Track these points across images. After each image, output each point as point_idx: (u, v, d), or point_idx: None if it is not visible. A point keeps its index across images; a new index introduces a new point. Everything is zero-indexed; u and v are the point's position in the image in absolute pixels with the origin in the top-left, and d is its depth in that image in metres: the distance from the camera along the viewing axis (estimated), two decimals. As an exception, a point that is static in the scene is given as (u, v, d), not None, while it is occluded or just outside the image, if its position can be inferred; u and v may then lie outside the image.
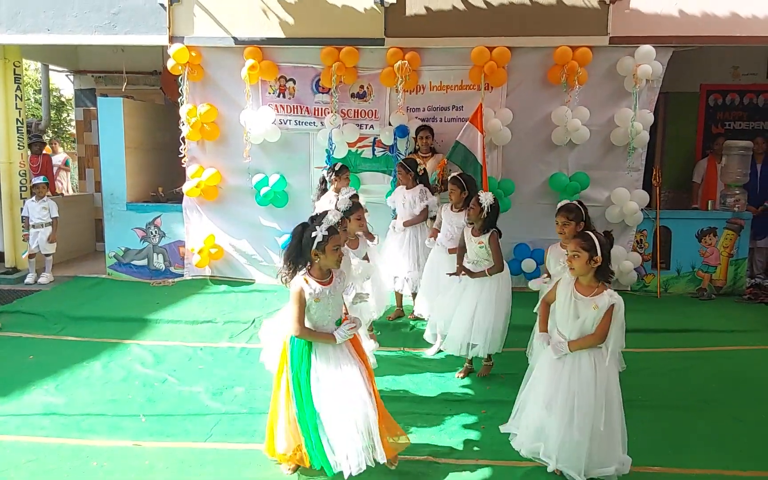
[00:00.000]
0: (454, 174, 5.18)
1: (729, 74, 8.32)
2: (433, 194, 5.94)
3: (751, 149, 6.96)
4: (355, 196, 4.45)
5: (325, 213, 3.14)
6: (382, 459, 3.00)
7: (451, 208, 5.08)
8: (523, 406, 3.35)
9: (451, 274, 4.45)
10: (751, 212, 6.89)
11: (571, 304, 3.09)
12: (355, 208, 4.29)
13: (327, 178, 5.66)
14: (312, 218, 3.20)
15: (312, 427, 3.00)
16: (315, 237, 2.98)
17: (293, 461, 3.17)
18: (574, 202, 4.05)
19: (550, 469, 3.12)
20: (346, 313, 3.27)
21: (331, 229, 3.03)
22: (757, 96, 8.36)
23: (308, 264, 3.08)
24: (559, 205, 4.11)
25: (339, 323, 3.14)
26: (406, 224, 5.61)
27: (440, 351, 4.92)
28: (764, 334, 5.50)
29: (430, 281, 5.10)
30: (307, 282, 3.02)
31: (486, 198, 4.31)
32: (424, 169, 5.87)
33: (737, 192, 6.92)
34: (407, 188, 5.68)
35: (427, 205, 5.61)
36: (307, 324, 3.06)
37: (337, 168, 5.61)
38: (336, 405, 2.98)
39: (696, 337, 5.43)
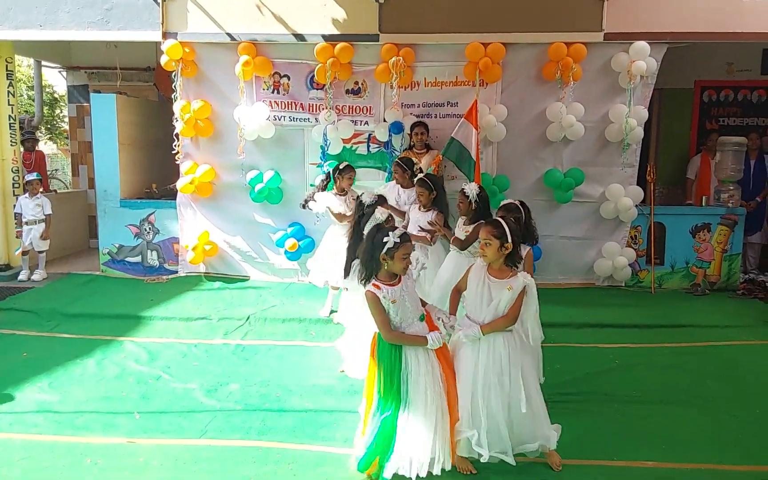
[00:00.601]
0: (421, 176, 5.22)
1: (723, 70, 8.35)
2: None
3: (744, 145, 7.00)
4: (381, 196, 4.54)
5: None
6: (448, 466, 3.01)
7: (419, 208, 5.12)
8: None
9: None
10: (744, 208, 6.92)
11: (484, 289, 3.14)
12: (380, 202, 4.33)
13: (332, 176, 5.63)
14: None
15: (391, 425, 3.01)
16: (386, 243, 3.01)
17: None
18: (515, 202, 4.06)
19: (484, 459, 3.07)
20: (427, 311, 3.23)
21: (404, 236, 3.05)
22: (752, 92, 8.39)
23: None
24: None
25: (422, 319, 3.13)
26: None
27: None
28: (758, 329, 5.52)
29: None
30: (378, 288, 3.04)
31: (471, 189, 4.37)
32: (421, 168, 5.85)
33: (731, 188, 6.94)
34: (402, 187, 5.66)
35: None
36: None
37: (342, 167, 5.61)
38: (422, 407, 3.00)
39: (690, 332, 5.45)
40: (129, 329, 5.42)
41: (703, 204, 7.13)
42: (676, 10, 6.35)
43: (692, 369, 4.64)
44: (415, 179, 5.25)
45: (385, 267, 3.05)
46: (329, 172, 5.78)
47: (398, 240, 3.01)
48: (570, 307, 6.00)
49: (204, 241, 6.87)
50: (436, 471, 2.97)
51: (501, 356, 3.10)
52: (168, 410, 3.91)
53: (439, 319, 3.16)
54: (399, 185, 5.70)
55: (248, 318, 5.61)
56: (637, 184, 6.65)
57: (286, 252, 6.74)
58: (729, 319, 5.78)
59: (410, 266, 3.12)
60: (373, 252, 3.06)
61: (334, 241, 5.41)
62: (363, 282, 3.11)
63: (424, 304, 3.27)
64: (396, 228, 3.16)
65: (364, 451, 3.06)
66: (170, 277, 7.06)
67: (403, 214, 5.31)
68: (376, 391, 3.09)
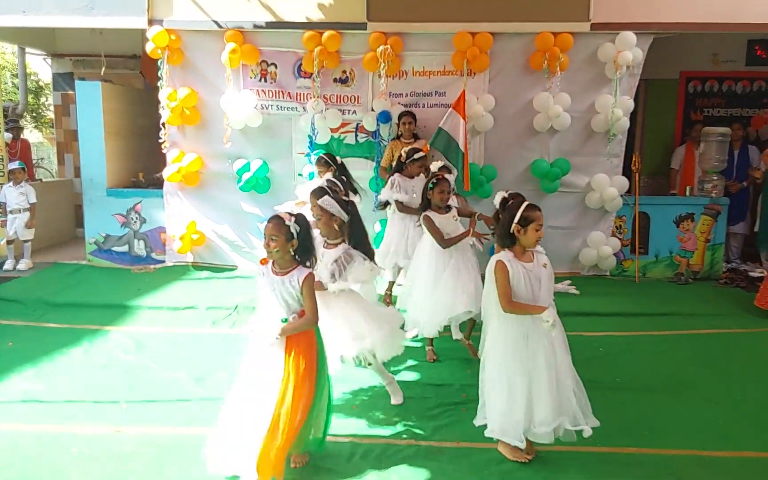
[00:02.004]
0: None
1: (708, 61, 8.41)
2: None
3: (728, 136, 7.07)
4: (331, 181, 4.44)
5: None
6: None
7: None
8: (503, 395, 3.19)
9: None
10: (730, 188, 7.00)
11: (527, 274, 3.08)
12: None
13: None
14: None
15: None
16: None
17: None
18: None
19: (586, 434, 3.04)
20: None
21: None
22: (736, 83, 8.47)
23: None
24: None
25: (284, 322, 3.03)
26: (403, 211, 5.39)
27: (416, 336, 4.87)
28: (739, 317, 5.62)
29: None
30: (264, 263, 3.07)
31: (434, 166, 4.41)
32: (400, 156, 5.74)
33: (715, 178, 7.02)
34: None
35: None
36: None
37: (322, 161, 5.54)
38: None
39: (673, 320, 5.54)
40: (116, 319, 5.40)
41: (687, 194, 7.21)
42: (662, 1, 6.39)
43: (675, 356, 4.72)
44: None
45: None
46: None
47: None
48: (555, 296, 6.02)
49: (191, 230, 6.85)
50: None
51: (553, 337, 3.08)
52: (155, 399, 3.91)
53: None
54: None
55: (236, 307, 5.61)
56: (623, 174, 6.71)
57: (274, 241, 6.73)
58: (711, 308, 5.88)
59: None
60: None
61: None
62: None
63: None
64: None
65: None
66: (157, 266, 7.04)
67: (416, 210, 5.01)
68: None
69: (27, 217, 6.97)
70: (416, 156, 5.37)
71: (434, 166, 4.74)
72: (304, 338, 3.04)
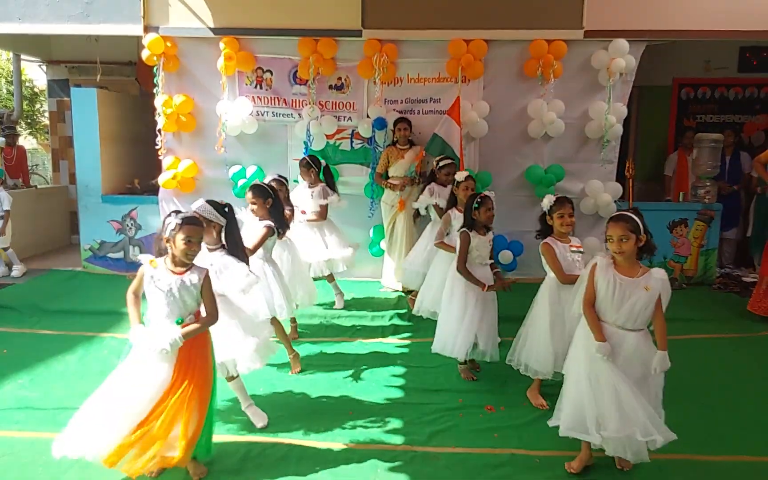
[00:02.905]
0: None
1: (701, 68, 8.48)
2: (412, 185, 6.14)
3: (721, 142, 7.12)
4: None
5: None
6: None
7: (458, 210, 4.82)
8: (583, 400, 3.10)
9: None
10: (721, 189, 7.07)
11: (616, 289, 3.00)
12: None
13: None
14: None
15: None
16: (168, 224, 2.95)
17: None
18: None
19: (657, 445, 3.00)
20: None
21: (188, 219, 2.98)
22: (728, 89, 8.55)
23: None
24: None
25: (179, 322, 2.99)
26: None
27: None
28: (733, 322, 5.65)
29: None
30: (153, 266, 3.02)
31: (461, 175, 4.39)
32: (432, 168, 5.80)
33: (708, 184, 7.07)
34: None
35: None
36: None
37: (303, 163, 5.70)
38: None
39: (667, 325, 5.52)
40: (111, 325, 5.39)
41: (681, 200, 7.26)
42: (654, 9, 6.45)
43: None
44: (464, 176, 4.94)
45: (169, 250, 2.97)
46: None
47: (180, 221, 2.92)
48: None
49: (187, 236, 6.84)
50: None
51: (643, 354, 3.08)
52: (151, 406, 3.89)
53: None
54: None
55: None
56: (616, 180, 6.75)
57: (269, 247, 6.74)
58: (705, 313, 5.91)
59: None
60: (160, 234, 3.01)
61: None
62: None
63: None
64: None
65: None
66: (153, 273, 7.01)
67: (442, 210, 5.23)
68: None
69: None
70: (443, 163, 5.52)
71: (460, 176, 4.82)
72: (200, 340, 3.04)
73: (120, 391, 2.96)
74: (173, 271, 2.98)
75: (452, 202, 4.97)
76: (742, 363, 4.75)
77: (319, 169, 5.69)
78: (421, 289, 5.06)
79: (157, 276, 2.96)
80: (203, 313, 3.07)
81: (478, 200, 4.21)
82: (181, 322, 2.98)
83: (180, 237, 2.91)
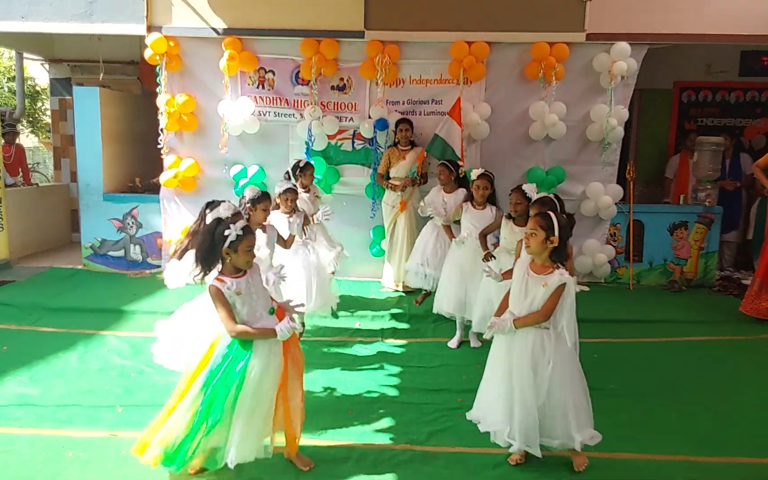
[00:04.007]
0: (482, 170, 5.03)
1: (702, 72, 8.50)
2: (413, 186, 6.20)
3: (722, 145, 7.13)
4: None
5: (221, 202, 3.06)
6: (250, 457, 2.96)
7: (473, 206, 4.93)
8: (486, 390, 3.30)
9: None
10: (725, 186, 7.11)
11: (523, 284, 3.10)
12: (263, 198, 4.15)
13: (291, 175, 5.55)
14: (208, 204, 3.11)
15: (213, 423, 2.89)
16: (228, 235, 2.91)
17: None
18: (550, 195, 3.95)
19: (513, 449, 3.12)
20: (279, 305, 3.15)
21: (246, 229, 2.96)
22: (729, 93, 8.56)
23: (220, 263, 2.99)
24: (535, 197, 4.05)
25: (272, 312, 3.04)
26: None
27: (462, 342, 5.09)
28: (732, 325, 5.66)
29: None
30: (222, 281, 2.93)
31: (530, 189, 4.20)
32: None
33: (708, 187, 7.08)
34: (446, 192, 5.48)
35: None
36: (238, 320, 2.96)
37: (301, 165, 5.61)
38: (251, 403, 2.93)
39: (667, 327, 5.57)
40: (112, 323, 5.40)
41: (681, 202, 7.26)
42: (656, 12, 6.46)
43: (668, 363, 4.76)
44: (478, 174, 4.98)
45: (228, 261, 2.97)
46: (287, 173, 5.63)
47: (241, 233, 2.92)
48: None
49: (188, 235, 6.85)
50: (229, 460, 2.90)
51: (533, 351, 3.05)
52: (151, 403, 3.89)
53: (288, 311, 3.08)
54: (443, 191, 5.48)
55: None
56: (617, 183, 6.76)
57: (270, 247, 6.74)
58: (705, 315, 5.92)
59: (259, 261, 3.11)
60: (215, 246, 2.93)
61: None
62: (201, 277, 2.97)
63: (273, 300, 3.16)
64: (237, 221, 2.98)
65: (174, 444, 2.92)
66: (153, 271, 7.03)
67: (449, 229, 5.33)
68: (204, 386, 2.94)
69: None
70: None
71: (475, 173, 4.92)
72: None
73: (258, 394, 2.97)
74: (236, 276, 2.98)
75: (469, 197, 5.06)
76: (741, 365, 4.75)
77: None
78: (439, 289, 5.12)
79: (230, 286, 2.93)
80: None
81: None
82: (273, 312, 3.05)
83: (243, 247, 2.94)
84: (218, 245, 2.93)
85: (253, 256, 3.03)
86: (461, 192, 5.35)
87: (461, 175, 5.58)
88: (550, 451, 3.17)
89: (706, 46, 7.29)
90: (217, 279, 2.94)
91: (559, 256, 3.08)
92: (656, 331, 5.45)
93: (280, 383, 3.01)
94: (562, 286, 2.99)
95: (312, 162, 5.92)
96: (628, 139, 7.73)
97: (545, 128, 6.47)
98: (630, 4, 6.46)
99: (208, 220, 3.02)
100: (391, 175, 6.30)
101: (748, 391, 4.24)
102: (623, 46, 6.33)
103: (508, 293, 3.29)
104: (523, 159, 6.75)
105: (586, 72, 6.55)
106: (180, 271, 3.58)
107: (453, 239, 5.06)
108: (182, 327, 3.87)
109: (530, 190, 4.20)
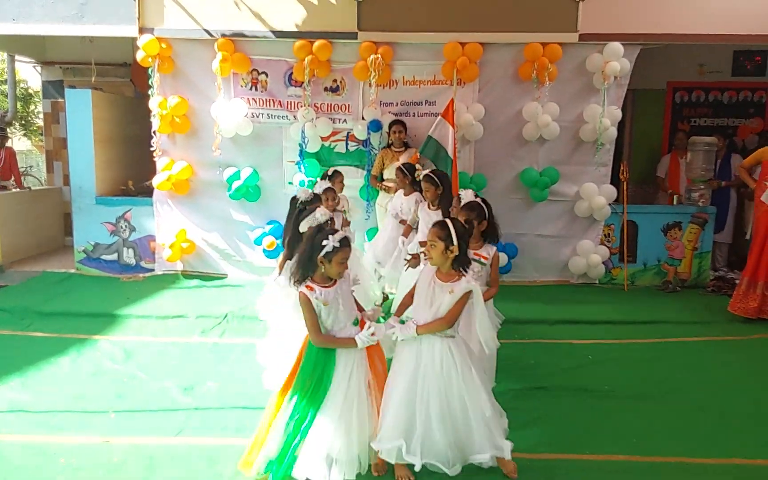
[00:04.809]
0: (427, 171, 5.11)
1: (695, 72, 8.52)
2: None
3: (715, 145, 7.14)
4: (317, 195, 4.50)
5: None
6: (363, 469, 3.02)
7: (429, 206, 5.02)
8: (386, 403, 3.11)
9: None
10: (712, 186, 7.10)
11: (429, 291, 3.07)
12: (315, 200, 4.26)
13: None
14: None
15: (302, 434, 2.96)
16: (325, 246, 2.96)
17: None
18: (478, 200, 3.90)
19: (417, 468, 2.98)
20: (362, 313, 3.19)
21: (343, 241, 2.99)
22: (722, 93, 8.58)
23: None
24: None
25: (356, 323, 3.08)
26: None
27: None
28: (726, 325, 5.67)
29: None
30: (311, 289, 2.98)
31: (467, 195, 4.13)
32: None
33: (702, 187, 7.09)
34: (405, 194, 5.57)
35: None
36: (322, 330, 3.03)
37: (330, 173, 5.59)
38: (338, 414, 2.97)
39: (661, 328, 5.57)
40: (104, 328, 5.36)
41: (674, 203, 7.27)
42: (649, 12, 6.48)
43: (662, 364, 4.75)
44: (421, 175, 5.13)
45: (322, 270, 3.01)
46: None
47: (338, 244, 2.96)
48: (545, 304, 6.10)
49: (181, 239, 6.83)
50: (349, 476, 2.93)
51: (442, 362, 3.01)
52: (144, 409, 3.88)
53: (373, 321, 3.10)
54: (402, 195, 5.56)
55: (226, 316, 5.59)
56: (611, 183, 6.77)
57: (264, 250, 6.73)
58: (698, 316, 5.92)
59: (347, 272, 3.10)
60: (312, 254, 2.99)
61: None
62: (296, 283, 3.03)
63: (361, 309, 3.22)
64: (336, 231, 3.06)
65: (275, 454, 2.98)
66: (147, 275, 7.01)
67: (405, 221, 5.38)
68: (293, 394, 3.02)
69: None
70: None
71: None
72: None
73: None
74: (326, 286, 3.02)
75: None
76: (734, 366, 4.75)
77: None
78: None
79: (318, 296, 2.98)
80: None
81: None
82: (357, 322, 3.08)
83: (337, 259, 2.97)
84: (315, 253, 2.98)
85: (346, 267, 3.06)
86: (417, 195, 5.44)
87: (417, 178, 5.52)
88: (543, 453, 3.17)
89: (698, 46, 7.31)
90: (306, 286, 2.99)
91: (462, 263, 3.04)
92: (650, 332, 5.45)
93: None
94: (468, 294, 2.98)
95: (340, 171, 5.76)
96: (621, 140, 7.76)
97: (538, 129, 6.47)
98: (622, 4, 6.48)
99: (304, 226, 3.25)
100: (385, 177, 6.29)
101: (742, 392, 4.24)
102: (616, 46, 6.34)
103: (412, 291, 3.24)
104: (517, 160, 6.75)
105: (579, 72, 6.56)
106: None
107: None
108: (282, 348, 3.86)
109: (466, 195, 4.14)
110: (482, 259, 3.76)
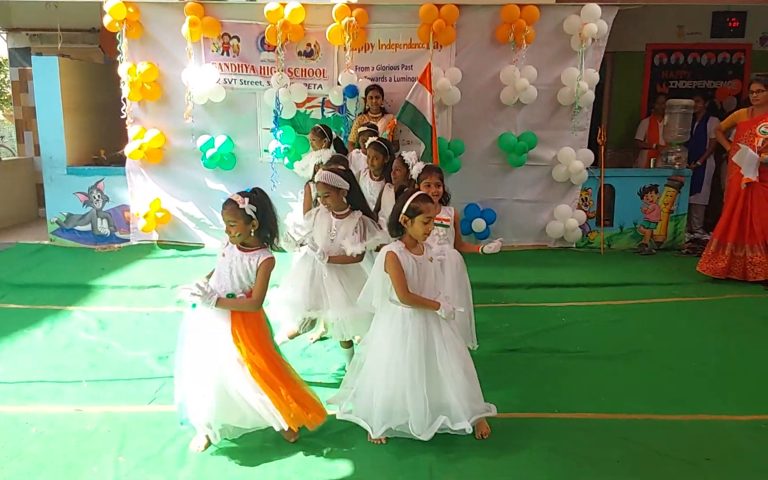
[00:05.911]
0: (374, 139, 4.81)
1: (674, 33, 8.48)
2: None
3: (692, 108, 7.14)
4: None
5: None
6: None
7: (371, 177, 4.74)
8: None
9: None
10: (690, 169, 7.12)
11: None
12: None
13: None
14: None
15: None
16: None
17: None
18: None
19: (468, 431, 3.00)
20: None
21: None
22: (701, 55, 8.57)
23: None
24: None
25: None
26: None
27: None
28: (697, 286, 5.76)
29: None
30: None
31: (411, 157, 4.07)
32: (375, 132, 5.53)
33: (678, 150, 7.12)
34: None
35: None
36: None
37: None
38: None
39: (635, 290, 5.64)
40: (79, 298, 5.30)
41: (651, 166, 7.30)
42: (626, -27, 6.42)
43: (634, 325, 4.82)
44: (367, 143, 4.82)
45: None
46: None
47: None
48: (522, 268, 6.15)
49: (156, 208, 6.74)
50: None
51: (426, 325, 3.00)
52: (117, 378, 3.86)
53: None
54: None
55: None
56: (588, 147, 6.77)
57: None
58: (672, 277, 6.00)
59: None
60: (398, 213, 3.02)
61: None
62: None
63: None
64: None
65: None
66: (122, 245, 6.92)
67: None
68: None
69: None
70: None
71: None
72: (251, 318, 3.03)
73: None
74: (239, 248, 3.04)
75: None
76: (704, 326, 4.83)
77: (332, 139, 5.36)
78: None
79: (228, 246, 3.07)
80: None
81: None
82: (231, 296, 3.02)
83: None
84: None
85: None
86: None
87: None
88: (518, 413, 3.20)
89: (677, 6, 7.29)
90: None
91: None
92: (623, 295, 5.51)
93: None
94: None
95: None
96: (600, 103, 7.74)
97: (516, 93, 6.42)
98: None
99: None
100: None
101: (711, 351, 4.31)
102: (593, 7, 6.28)
103: None
104: (495, 124, 6.71)
105: (556, 35, 6.50)
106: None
107: None
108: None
109: (409, 157, 4.12)
110: (444, 222, 3.81)
